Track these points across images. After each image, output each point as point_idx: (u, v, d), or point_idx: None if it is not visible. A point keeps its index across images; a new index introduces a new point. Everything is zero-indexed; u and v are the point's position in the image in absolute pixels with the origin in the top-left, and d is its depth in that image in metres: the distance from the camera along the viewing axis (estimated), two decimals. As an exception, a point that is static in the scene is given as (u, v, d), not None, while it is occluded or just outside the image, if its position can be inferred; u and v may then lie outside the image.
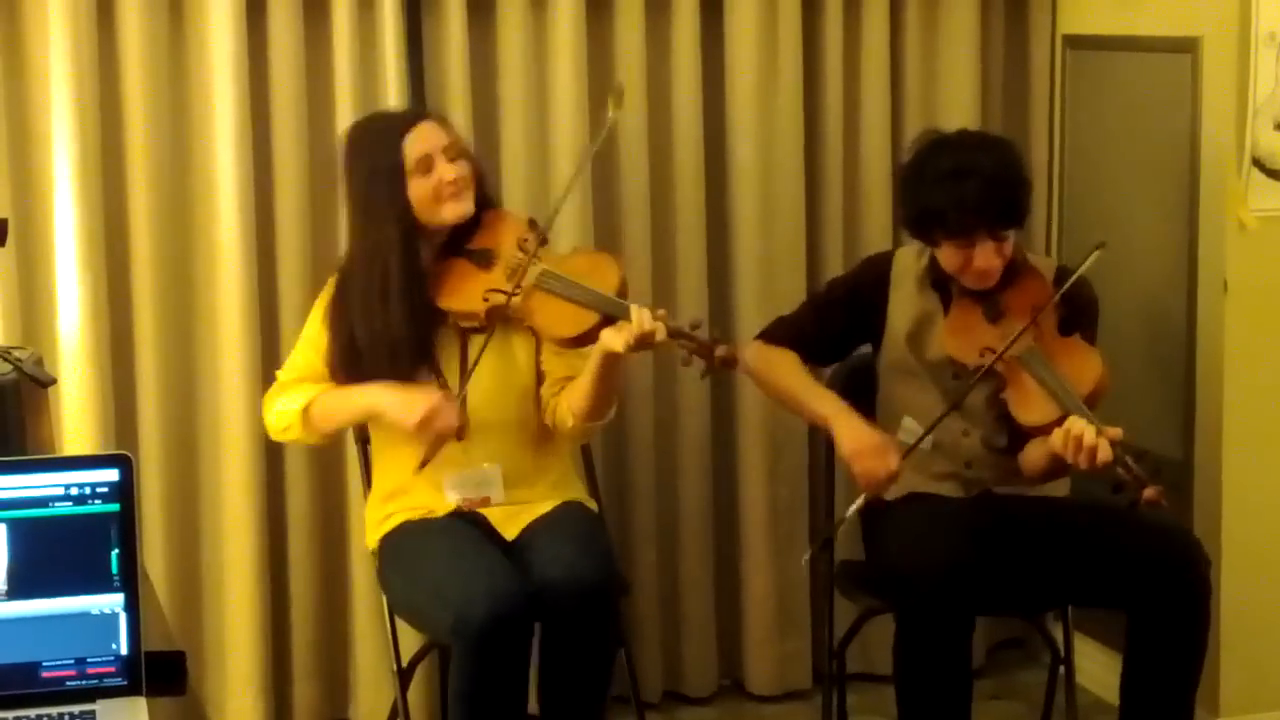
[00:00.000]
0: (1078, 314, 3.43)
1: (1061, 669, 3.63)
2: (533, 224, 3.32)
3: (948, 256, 3.37)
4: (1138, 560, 3.26)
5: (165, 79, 3.71)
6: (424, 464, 3.25)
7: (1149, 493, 3.10)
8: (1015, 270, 3.41)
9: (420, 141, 3.26)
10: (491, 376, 3.32)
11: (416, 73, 3.80)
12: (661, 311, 3.16)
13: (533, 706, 3.57)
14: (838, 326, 3.56)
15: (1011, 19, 4.24)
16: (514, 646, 3.08)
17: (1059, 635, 3.64)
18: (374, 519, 3.43)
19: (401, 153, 3.24)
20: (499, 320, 3.24)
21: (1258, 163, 3.64)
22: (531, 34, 3.88)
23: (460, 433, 3.26)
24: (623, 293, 3.22)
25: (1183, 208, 3.75)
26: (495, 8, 3.87)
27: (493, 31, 3.89)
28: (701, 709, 4.16)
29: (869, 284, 3.54)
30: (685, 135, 4.00)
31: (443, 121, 3.38)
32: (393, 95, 3.75)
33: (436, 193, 3.25)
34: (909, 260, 3.52)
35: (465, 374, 3.26)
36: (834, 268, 4.10)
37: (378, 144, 3.28)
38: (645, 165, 3.98)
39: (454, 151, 3.29)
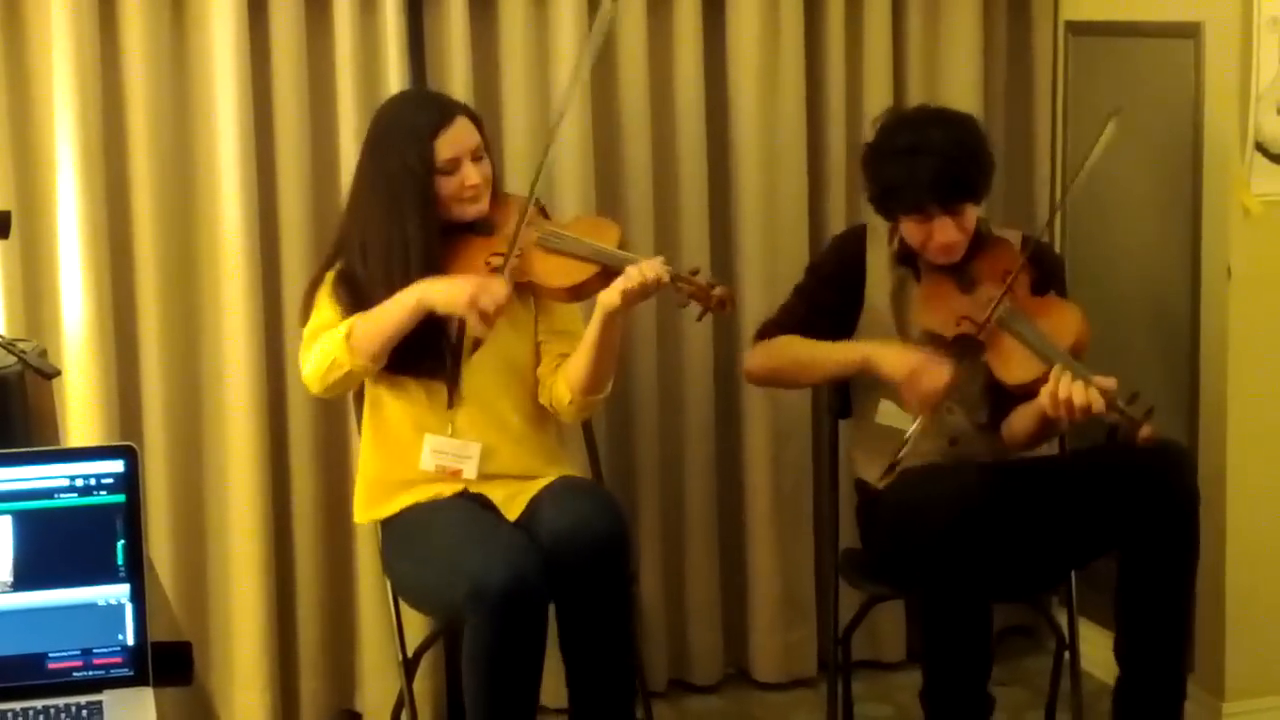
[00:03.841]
0: (1047, 275, 3.46)
1: (1066, 654, 3.63)
2: (536, 201, 3.34)
3: (909, 232, 3.40)
4: (1123, 482, 3.26)
5: (167, 73, 3.71)
6: (476, 347, 3.25)
7: (1144, 431, 3.12)
8: (981, 241, 3.44)
9: (451, 144, 3.28)
10: (491, 356, 3.33)
11: (418, 68, 3.80)
12: (660, 258, 3.21)
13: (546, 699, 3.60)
14: (830, 303, 3.56)
15: (1014, 5, 4.24)
16: (531, 618, 3.07)
17: (1064, 621, 3.65)
18: (370, 497, 3.42)
19: (433, 153, 3.26)
20: None
21: (1261, 148, 3.63)
22: (533, 28, 3.88)
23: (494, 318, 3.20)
24: (622, 248, 3.28)
25: (1186, 193, 3.75)
26: (497, 2, 3.87)
27: (495, 26, 3.88)
28: (708, 697, 4.16)
29: (850, 257, 3.56)
30: (688, 126, 3.99)
31: (474, 119, 3.37)
32: (395, 90, 3.74)
33: (458, 194, 3.30)
34: (880, 236, 3.54)
35: (464, 349, 3.27)
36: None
37: (410, 142, 3.27)
38: (648, 156, 3.98)
39: (480, 151, 3.33)
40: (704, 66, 4.00)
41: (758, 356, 3.57)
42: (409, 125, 3.31)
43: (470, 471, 3.33)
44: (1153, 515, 3.25)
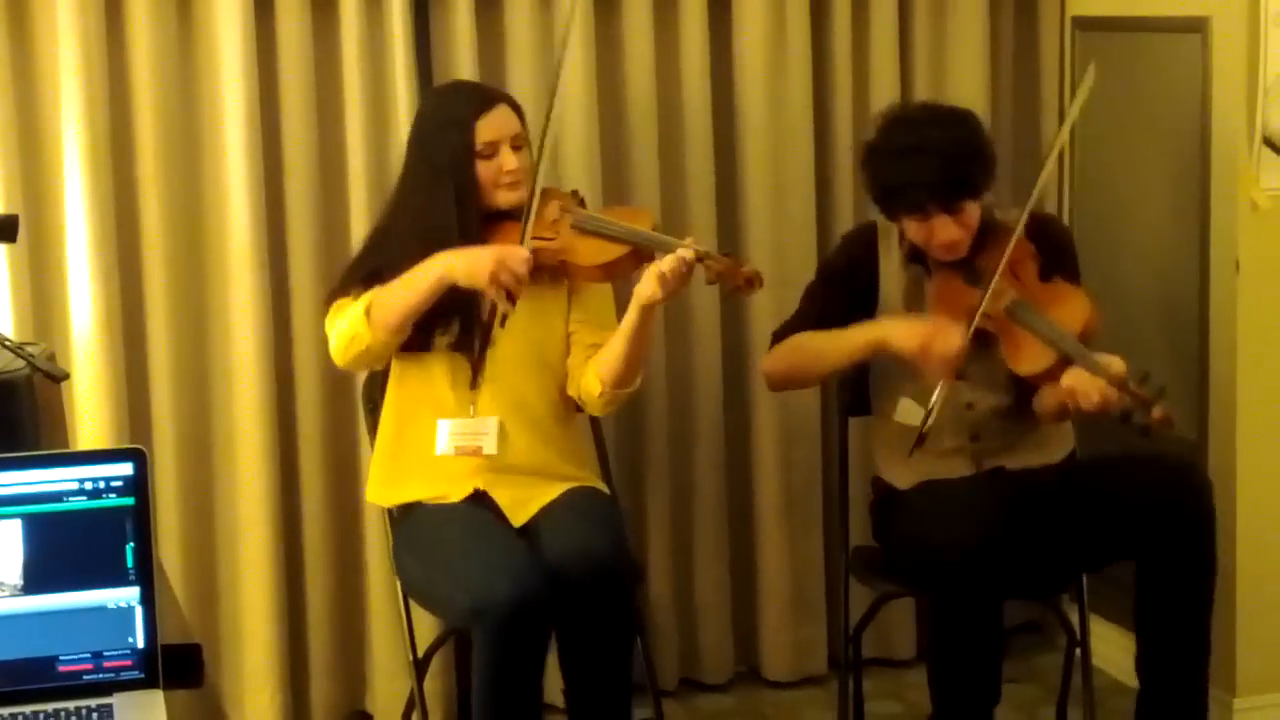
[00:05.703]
0: (1055, 256, 3.45)
1: (1078, 651, 3.63)
2: (574, 193, 3.42)
3: (912, 231, 3.41)
4: (1139, 498, 3.27)
5: (174, 74, 3.72)
6: (504, 319, 3.21)
7: (1157, 412, 3.12)
8: (986, 232, 3.42)
9: (491, 128, 3.32)
10: (518, 340, 3.33)
11: (425, 68, 3.81)
12: (690, 239, 3.24)
13: (553, 698, 3.59)
14: (841, 302, 3.54)
15: (1021, 1, 4.23)
16: (534, 632, 3.08)
17: (1075, 618, 3.64)
18: (385, 476, 3.42)
19: (474, 136, 3.30)
20: (536, 267, 3.25)
21: (1269, 142, 3.63)
22: (539, 28, 3.87)
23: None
24: (656, 230, 3.32)
25: (1194, 188, 3.74)
26: (503, 1, 3.87)
27: (501, 26, 3.88)
28: (718, 696, 4.16)
29: (860, 254, 3.55)
30: (695, 124, 3.99)
31: (517, 108, 3.42)
32: (401, 90, 3.75)
33: (495, 180, 3.33)
34: (891, 234, 3.53)
35: (490, 329, 3.26)
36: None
37: (452, 125, 3.32)
38: (654, 155, 3.98)
39: (520, 141, 3.36)
40: (710, 65, 4.00)
41: (773, 359, 3.56)
42: (451, 110, 3.36)
43: (490, 447, 3.31)
44: (1168, 535, 3.26)
